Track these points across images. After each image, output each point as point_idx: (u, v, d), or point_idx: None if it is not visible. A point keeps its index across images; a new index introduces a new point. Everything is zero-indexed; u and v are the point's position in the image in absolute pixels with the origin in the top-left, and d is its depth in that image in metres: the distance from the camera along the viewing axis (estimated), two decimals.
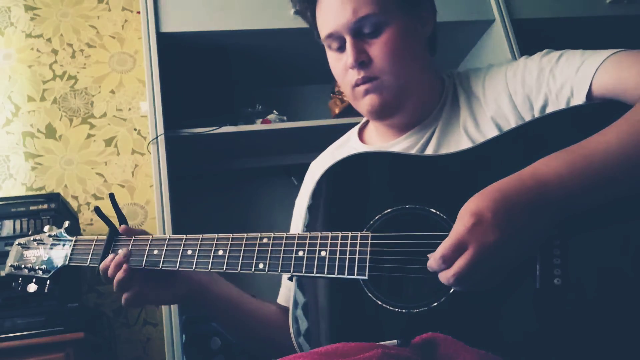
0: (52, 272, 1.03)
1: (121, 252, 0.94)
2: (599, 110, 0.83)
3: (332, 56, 1.03)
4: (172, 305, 1.60)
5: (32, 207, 1.73)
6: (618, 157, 0.72)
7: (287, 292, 1.12)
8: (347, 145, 1.16)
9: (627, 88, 0.80)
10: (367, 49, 0.97)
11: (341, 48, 0.99)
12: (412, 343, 0.67)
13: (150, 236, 0.97)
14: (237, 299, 1.04)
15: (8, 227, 1.69)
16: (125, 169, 2.24)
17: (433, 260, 0.73)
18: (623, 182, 0.72)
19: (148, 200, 2.20)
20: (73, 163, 2.21)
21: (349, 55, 0.97)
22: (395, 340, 0.68)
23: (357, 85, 0.99)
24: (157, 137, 1.74)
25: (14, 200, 1.76)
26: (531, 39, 2.01)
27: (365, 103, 1.01)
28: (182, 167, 2.02)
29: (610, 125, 0.76)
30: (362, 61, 0.96)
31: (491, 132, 0.95)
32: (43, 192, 2.11)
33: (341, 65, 1.00)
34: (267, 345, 1.04)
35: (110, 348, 1.94)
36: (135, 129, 2.30)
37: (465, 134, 0.98)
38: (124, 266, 0.93)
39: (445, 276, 0.72)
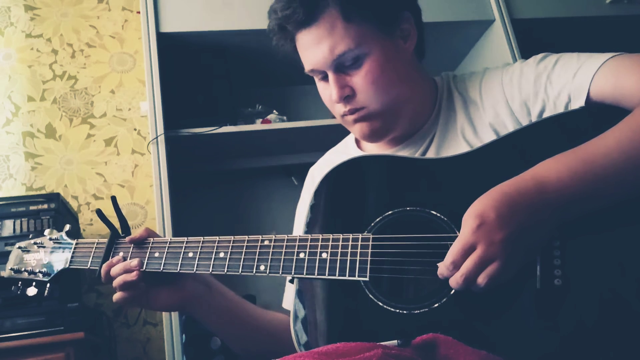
0: (52, 275, 1.02)
1: (135, 261, 0.94)
2: (597, 115, 0.83)
3: (318, 84, 1.04)
4: None
5: (32, 207, 1.74)
6: (618, 162, 0.73)
7: (291, 296, 1.11)
8: (345, 153, 1.15)
9: (626, 93, 0.80)
10: (349, 81, 0.97)
11: (325, 78, 1.00)
12: (412, 343, 0.67)
13: (152, 239, 0.97)
14: (238, 310, 1.03)
15: (8, 227, 1.70)
16: (125, 169, 2.24)
17: (444, 267, 0.74)
18: (623, 187, 0.73)
19: (148, 200, 2.20)
20: (73, 163, 2.21)
21: (332, 91, 0.97)
22: (396, 341, 0.68)
23: (345, 115, 1.00)
24: (157, 137, 1.74)
25: (14, 200, 1.77)
26: (531, 39, 2.01)
27: (355, 130, 1.02)
28: (182, 167, 2.02)
29: (611, 129, 0.76)
30: (346, 95, 0.97)
31: (489, 139, 0.95)
32: (43, 192, 2.11)
33: (327, 94, 1.01)
34: (273, 356, 1.02)
35: (110, 348, 1.94)
36: (135, 129, 2.30)
37: (464, 140, 0.98)
38: (137, 271, 0.92)
39: (454, 279, 0.73)
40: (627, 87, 0.80)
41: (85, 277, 2.04)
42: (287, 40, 1.02)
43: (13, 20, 2.34)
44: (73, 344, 1.54)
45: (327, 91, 1.00)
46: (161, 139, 1.74)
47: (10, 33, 2.32)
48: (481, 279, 0.71)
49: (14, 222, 1.70)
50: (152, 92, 1.78)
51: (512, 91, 0.96)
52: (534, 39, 1.99)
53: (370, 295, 0.79)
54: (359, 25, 0.94)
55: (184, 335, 1.59)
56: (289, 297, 1.12)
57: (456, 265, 0.72)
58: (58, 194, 1.79)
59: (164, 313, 1.62)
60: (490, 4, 2.09)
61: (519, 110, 0.94)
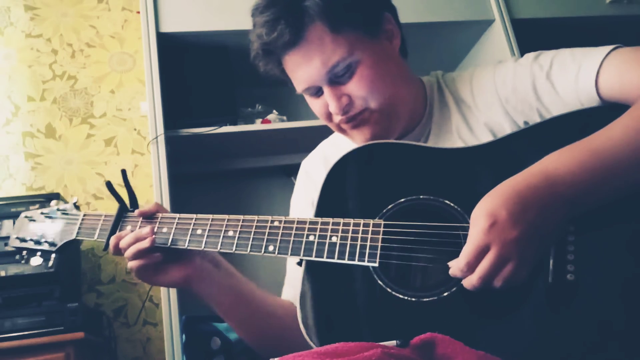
0: (58, 245, 1.00)
1: (148, 228, 0.93)
2: (615, 112, 0.83)
3: (311, 102, 1.03)
4: (172, 305, 1.60)
5: (32, 207, 1.74)
6: (626, 152, 0.73)
7: (291, 290, 1.09)
8: (340, 146, 1.14)
9: (632, 93, 0.80)
10: (345, 90, 0.95)
11: (318, 92, 0.99)
12: (411, 343, 0.68)
13: (160, 214, 0.97)
14: (245, 290, 1.01)
15: (8, 227, 1.70)
16: (125, 169, 2.24)
17: (457, 268, 0.73)
18: (632, 177, 0.73)
19: (148, 200, 2.20)
20: (73, 163, 2.21)
21: (331, 105, 0.96)
22: (395, 341, 0.68)
23: (343, 123, 0.99)
24: (157, 137, 1.74)
25: (14, 200, 1.77)
26: (531, 39, 2.01)
27: (356, 137, 1.01)
28: (182, 167, 2.02)
29: (614, 121, 0.77)
30: (345, 105, 0.96)
31: (486, 137, 0.95)
32: (43, 192, 2.11)
33: (321, 107, 0.99)
34: (277, 342, 1.00)
35: (110, 348, 1.94)
36: (135, 129, 2.30)
37: (460, 140, 0.98)
38: (151, 238, 0.92)
39: (469, 281, 0.72)
40: (632, 87, 0.80)
41: (85, 277, 2.04)
42: (274, 64, 1.00)
43: (13, 20, 2.34)
44: (73, 344, 1.54)
45: (320, 103, 0.99)
46: (161, 139, 1.74)
47: (10, 33, 2.32)
48: (498, 281, 0.71)
49: (14, 222, 1.70)
50: (152, 92, 1.79)
51: (507, 93, 0.96)
52: (534, 39, 1.99)
53: (380, 282, 0.79)
54: (346, 34, 0.93)
55: (184, 335, 1.59)
56: (287, 290, 1.12)
57: (471, 267, 0.71)
58: (58, 194, 1.80)
59: (164, 313, 1.62)
60: (490, 4, 2.09)
61: (514, 110, 0.95)
